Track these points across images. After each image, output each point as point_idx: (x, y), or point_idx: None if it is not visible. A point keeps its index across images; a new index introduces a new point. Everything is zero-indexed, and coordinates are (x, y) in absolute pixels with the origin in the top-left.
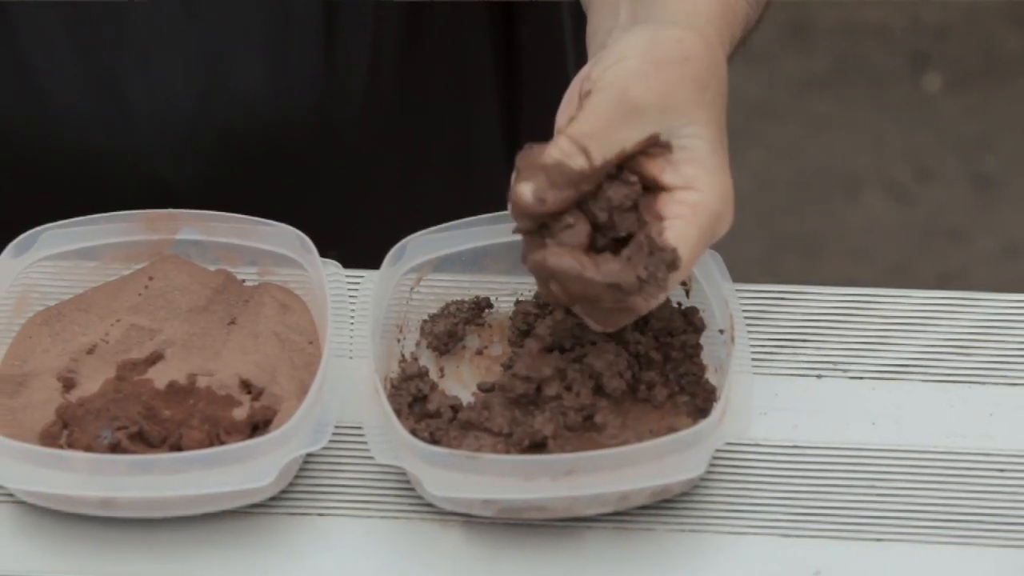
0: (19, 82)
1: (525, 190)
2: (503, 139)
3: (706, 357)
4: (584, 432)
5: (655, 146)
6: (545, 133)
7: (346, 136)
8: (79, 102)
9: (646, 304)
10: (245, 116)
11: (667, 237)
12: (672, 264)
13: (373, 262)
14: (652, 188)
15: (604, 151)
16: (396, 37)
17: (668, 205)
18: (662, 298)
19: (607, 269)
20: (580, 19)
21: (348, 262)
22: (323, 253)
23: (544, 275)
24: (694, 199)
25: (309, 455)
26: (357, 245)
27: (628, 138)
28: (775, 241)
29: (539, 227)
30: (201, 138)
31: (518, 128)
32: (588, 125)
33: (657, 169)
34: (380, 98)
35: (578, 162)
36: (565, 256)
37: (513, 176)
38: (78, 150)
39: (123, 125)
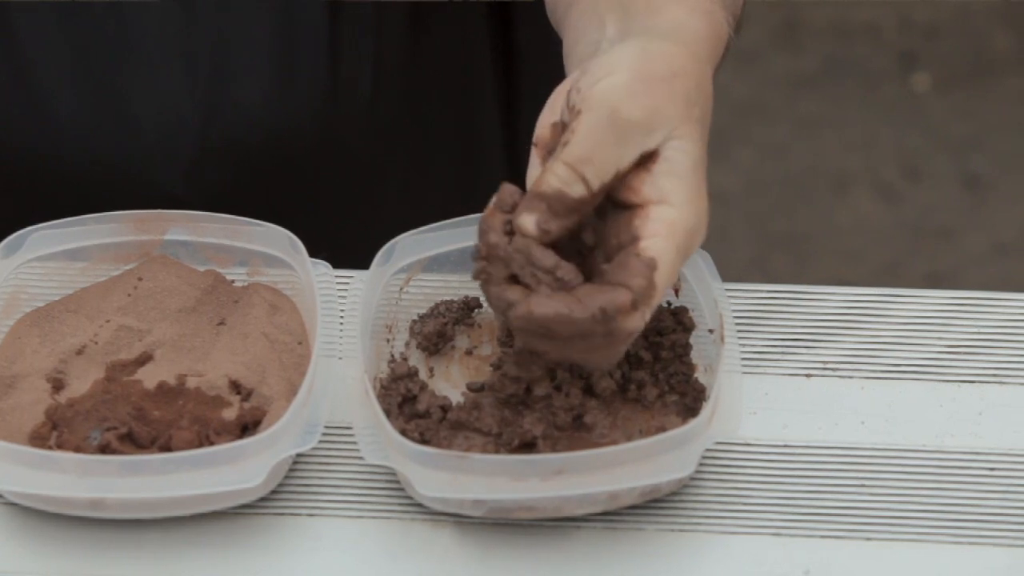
0: (24, 98)
1: (527, 221)
2: (503, 141)
3: (696, 357)
4: (574, 432)
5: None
6: None
7: (351, 144)
8: (83, 117)
9: (640, 322)
10: (250, 127)
11: (646, 253)
12: (651, 266)
13: (364, 262)
14: (620, 205)
15: (601, 175)
16: (398, 45)
17: (645, 224)
18: (649, 315)
19: (593, 299)
20: None
21: (344, 261)
22: (319, 252)
23: (534, 328)
24: (671, 216)
25: (299, 455)
26: (363, 250)
27: (622, 158)
28: (765, 241)
29: (510, 277)
30: (206, 150)
31: (518, 132)
32: (581, 149)
33: (637, 181)
34: (384, 106)
35: (577, 190)
36: (551, 300)
37: (482, 225)
38: (82, 165)
39: (127, 139)
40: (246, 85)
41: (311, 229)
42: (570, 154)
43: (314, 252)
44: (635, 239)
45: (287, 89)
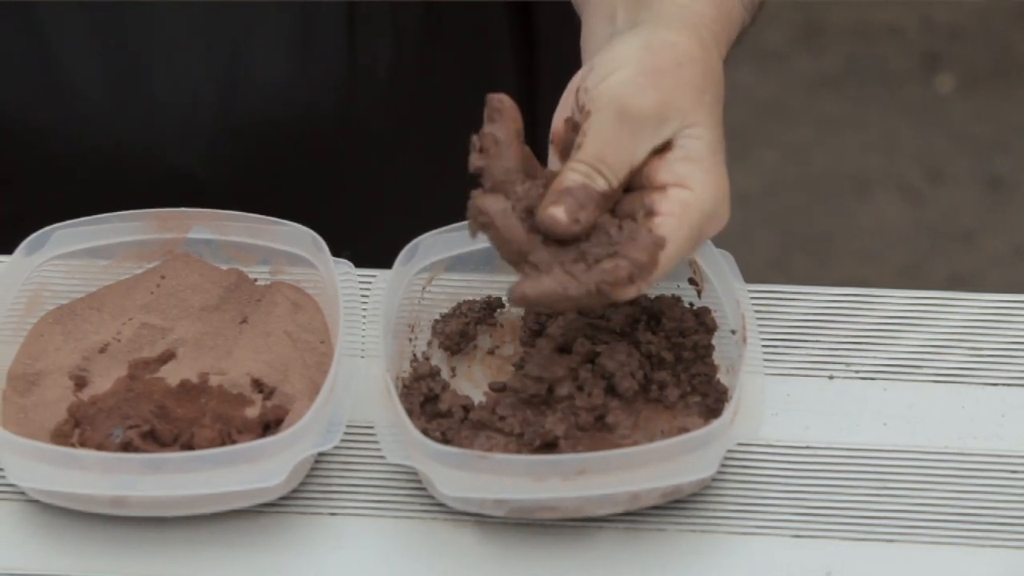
0: (44, 77)
1: (558, 212)
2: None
3: (718, 357)
4: (596, 432)
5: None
6: None
7: (368, 127)
8: (103, 96)
9: (635, 293)
10: (269, 108)
11: (659, 230)
12: (659, 244)
13: (386, 261)
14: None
15: (617, 173)
16: (416, 26)
17: (660, 202)
18: (645, 288)
19: (590, 276)
20: None
21: (367, 260)
22: (341, 250)
23: (531, 307)
24: (686, 197)
25: (320, 454)
26: (378, 241)
27: (635, 154)
28: (786, 241)
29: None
30: (226, 131)
31: (536, 114)
32: (594, 149)
33: (652, 169)
34: (401, 86)
35: (600, 183)
36: (544, 279)
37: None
38: (103, 144)
39: (148, 119)
40: (265, 65)
41: (328, 211)
42: (584, 155)
43: (329, 236)
44: (650, 213)
45: (305, 68)
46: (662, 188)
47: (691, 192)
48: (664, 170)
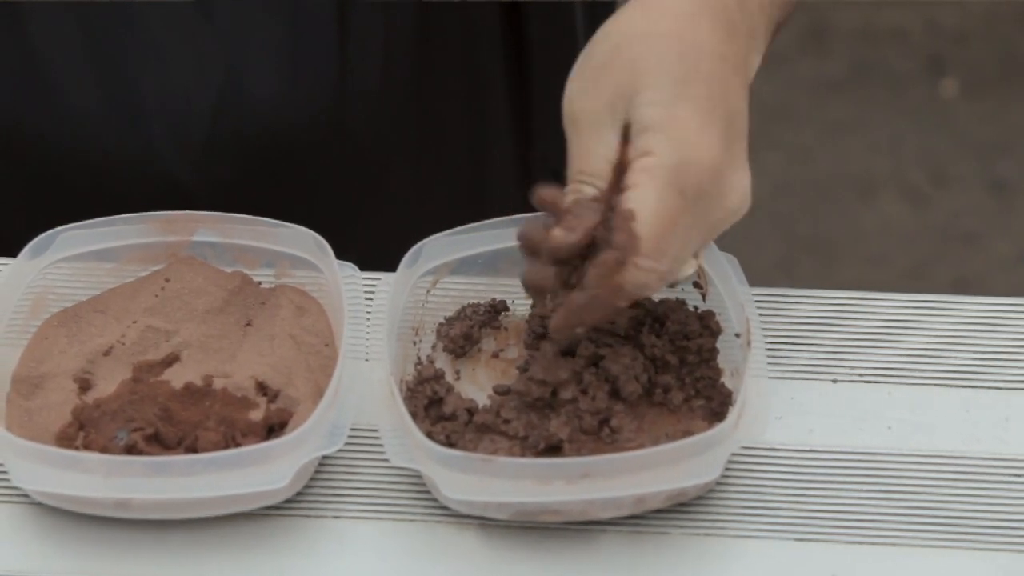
0: (34, 87)
1: (557, 232)
2: (514, 135)
3: (722, 361)
4: (600, 436)
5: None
6: (556, 131)
7: (360, 136)
8: (94, 106)
9: (637, 273)
10: (260, 118)
11: (624, 205)
12: (628, 217)
13: (388, 264)
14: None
15: (598, 174)
16: (407, 37)
17: (627, 176)
18: (646, 263)
19: (588, 279)
20: (592, 15)
21: (364, 264)
22: (340, 257)
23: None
24: (647, 163)
25: (325, 457)
26: (372, 247)
27: (607, 148)
28: (791, 245)
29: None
30: (217, 141)
31: (530, 127)
32: (572, 164)
33: (623, 150)
34: (393, 98)
35: (589, 191)
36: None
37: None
38: (94, 155)
39: (139, 129)
40: (256, 74)
41: (322, 223)
42: (569, 172)
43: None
44: (622, 191)
45: (297, 78)
46: (630, 163)
47: (653, 156)
48: (632, 149)
